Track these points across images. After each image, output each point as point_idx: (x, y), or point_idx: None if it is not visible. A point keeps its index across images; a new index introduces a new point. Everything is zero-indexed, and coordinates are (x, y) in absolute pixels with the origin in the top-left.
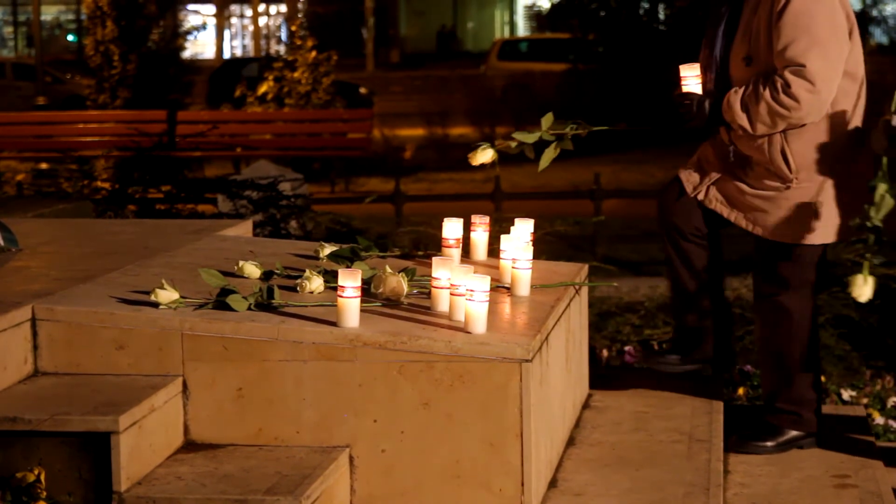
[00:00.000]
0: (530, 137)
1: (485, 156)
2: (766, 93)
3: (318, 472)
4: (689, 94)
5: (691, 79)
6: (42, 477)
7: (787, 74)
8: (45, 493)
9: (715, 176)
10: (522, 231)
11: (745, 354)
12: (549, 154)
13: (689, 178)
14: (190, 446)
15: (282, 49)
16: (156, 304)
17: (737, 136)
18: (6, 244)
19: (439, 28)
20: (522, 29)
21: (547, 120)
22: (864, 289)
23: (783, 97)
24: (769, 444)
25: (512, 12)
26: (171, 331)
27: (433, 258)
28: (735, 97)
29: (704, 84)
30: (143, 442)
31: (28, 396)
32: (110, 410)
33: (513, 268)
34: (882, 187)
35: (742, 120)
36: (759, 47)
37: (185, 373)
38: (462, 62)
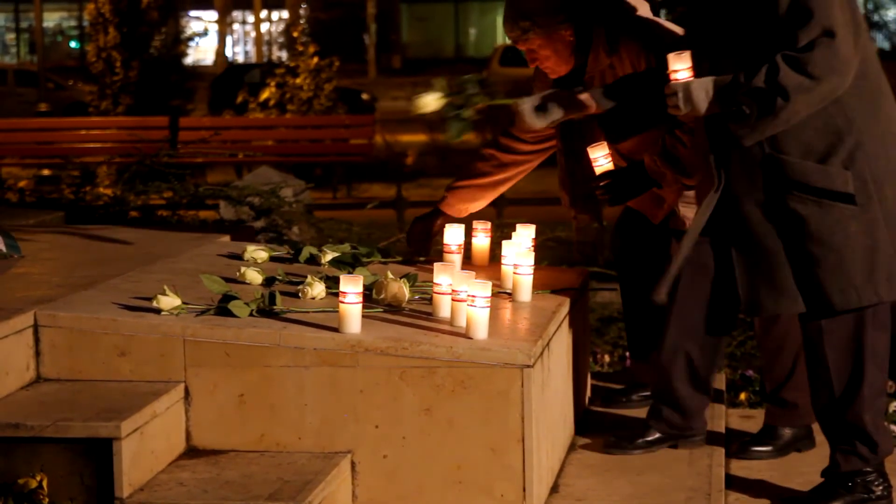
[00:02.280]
0: (434, 104)
1: (433, 103)
2: (686, 137)
3: (320, 478)
4: (607, 173)
5: (602, 158)
6: (44, 483)
7: None
8: (47, 500)
9: (674, 199)
10: (524, 236)
11: (746, 359)
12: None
13: (649, 209)
14: (192, 452)
15: (284, 55)
16: (158, 311)
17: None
18: (8, 250)
19: None
20: None
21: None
22: (426, 100)
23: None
24: None
25: None
26: (172, 337)
27: (435, 264)
28: (660, 156)
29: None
30: (145, 448)
31: (30, 402)
32: (112, 417)
33: (514, 273)
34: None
35: (676, 172)
36: None
37: (187, 379)
38: None
